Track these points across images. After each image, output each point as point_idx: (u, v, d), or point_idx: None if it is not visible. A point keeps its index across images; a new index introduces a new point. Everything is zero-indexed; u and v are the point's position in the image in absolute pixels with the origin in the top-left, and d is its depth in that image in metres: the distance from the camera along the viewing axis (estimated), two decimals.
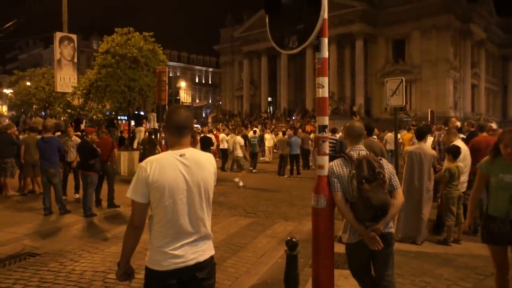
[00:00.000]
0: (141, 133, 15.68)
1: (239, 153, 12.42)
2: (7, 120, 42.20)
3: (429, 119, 19.29)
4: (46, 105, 27.11)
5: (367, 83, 40.69)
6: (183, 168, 2.25)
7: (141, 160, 12.51)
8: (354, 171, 3.10)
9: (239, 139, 12.67)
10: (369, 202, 2.99)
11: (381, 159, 3.26)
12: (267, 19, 3.55)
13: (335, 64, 40.03)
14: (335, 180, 3.19)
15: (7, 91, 41.33)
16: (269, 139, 21.71)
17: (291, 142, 14.81)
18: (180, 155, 2.27)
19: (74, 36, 20.92)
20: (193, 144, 2.50)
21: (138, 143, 15.22)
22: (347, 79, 41.30)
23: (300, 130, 22.04)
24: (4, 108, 58.29)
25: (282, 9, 3.31)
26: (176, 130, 2.32)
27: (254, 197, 10.70)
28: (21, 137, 12.00)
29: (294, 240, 3.80)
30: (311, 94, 41.80)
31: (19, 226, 7.24)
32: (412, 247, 5.83)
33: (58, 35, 20.12)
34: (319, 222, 3.27)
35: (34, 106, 28.39)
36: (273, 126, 34.88)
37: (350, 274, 3.53)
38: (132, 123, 19.55)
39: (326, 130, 3.32)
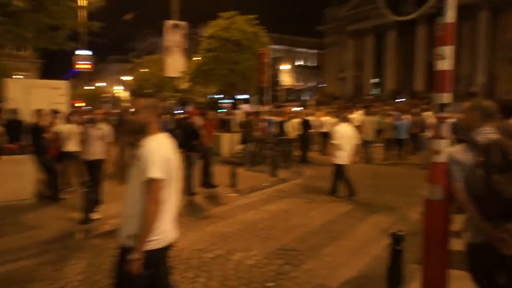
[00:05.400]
0: (237, 115, 15.92)
1: None
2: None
3: None
4: (157, 89, 29.27)
5: (490, 60, 35.92)
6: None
7: (242, 141, 12.74)
8: (480, 158, 2.54)
9: None
10: (500, 196, 2.43)
11: None
12: None
13: None
14: (456, 168, 2.66)
15: (126, 77, 45.49)
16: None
17: (397, 126, 13.69)
18: None
19: (183, 23, 21.99)
20: None
21: (238, 125, 15.51)
22: (464, 56, 36.98)
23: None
24: (126, 94, 64.38)
25: None
26: None
27: (354, 182, 10.13)
28: None
29: (400, 233, 3.36)
30: (421, 74, 38.39)
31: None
32: None
33: (168, 23, 21.36)
34: (433, 216, 2.80)
35: (147, 91, 30.86)
36: (377, 109, 32.98)
37: (466, 276, 2.99)
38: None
39: (446, 109, 2.79)
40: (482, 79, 35.71)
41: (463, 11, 35.76)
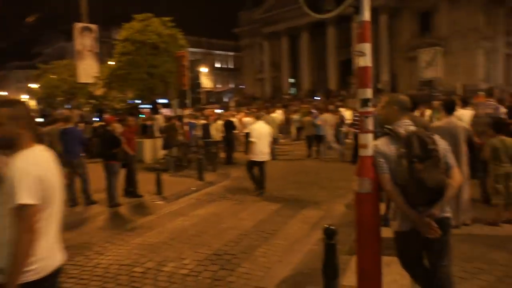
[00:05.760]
0: (158, 120, 15.50)
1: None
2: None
3: (461, 92, 18.37)
4: (69, 97, 27.34)
5: (391, 59, 39.33)
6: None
7: (165, 146, 12.34)
8: (403, 150, 2.68)
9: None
10: (422, 184, 2.58)
11: (433, 134, 2.83)
12: None
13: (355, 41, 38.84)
14: (382, 160, 2.78)
15: (33, 85, 41.87)
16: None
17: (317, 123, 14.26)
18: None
19: (94, 26, 20.84)
20: None
21: (159, 131, 15.05)
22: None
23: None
24: (33, 103, 59.21)
25: None
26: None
27: (281, 179, 10.35)
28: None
29: (332, 227, 3.44)
30: (333, 73, 40.66)
31: None
32: (459, 230, 5.35)
33: (78, 26, 20.09)
34: (364, 209, 2.89)
35: (58, 98, 28.65)
36: (296, 108, 34.23)
37: (393, 261, 3.20)
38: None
39: (369, 104, 2.90)
40: (386, 76, 38.84)
41: None
